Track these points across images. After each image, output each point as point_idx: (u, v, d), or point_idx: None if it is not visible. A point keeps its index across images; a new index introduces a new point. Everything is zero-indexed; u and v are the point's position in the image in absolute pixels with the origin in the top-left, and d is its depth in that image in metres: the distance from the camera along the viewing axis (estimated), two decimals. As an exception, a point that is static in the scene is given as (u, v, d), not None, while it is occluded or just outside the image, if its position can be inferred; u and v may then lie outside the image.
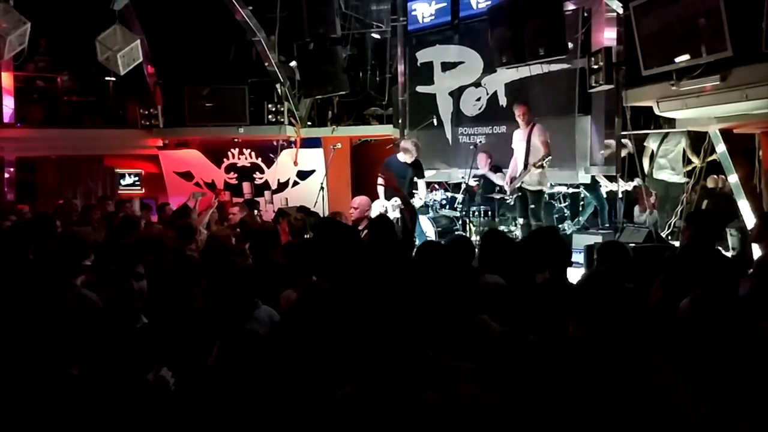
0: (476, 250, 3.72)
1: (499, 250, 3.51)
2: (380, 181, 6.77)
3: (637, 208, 7.29)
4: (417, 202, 6.84)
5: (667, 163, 6.81)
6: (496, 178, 7.14)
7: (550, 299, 2.80)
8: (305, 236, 4.47)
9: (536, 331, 2.66)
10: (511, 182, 6.58)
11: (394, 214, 6.52)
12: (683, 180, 6.85)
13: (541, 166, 6.11)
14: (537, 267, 3.12)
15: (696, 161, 6.72)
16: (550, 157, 6.12)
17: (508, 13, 6.36)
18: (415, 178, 6.94)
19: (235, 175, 10.04)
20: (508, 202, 6.75)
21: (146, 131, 9.88)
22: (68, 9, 9.34)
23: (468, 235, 7.05)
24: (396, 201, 6.57)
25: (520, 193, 6.49)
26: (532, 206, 6.42)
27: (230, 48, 10.02)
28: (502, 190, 6.76)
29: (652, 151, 6.86)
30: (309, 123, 9.96)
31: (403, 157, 6.83)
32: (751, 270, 3.48)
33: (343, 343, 2.11)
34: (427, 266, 3.21)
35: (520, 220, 6.57)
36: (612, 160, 6.82)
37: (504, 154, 6.84)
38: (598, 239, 5.74)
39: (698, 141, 6.53)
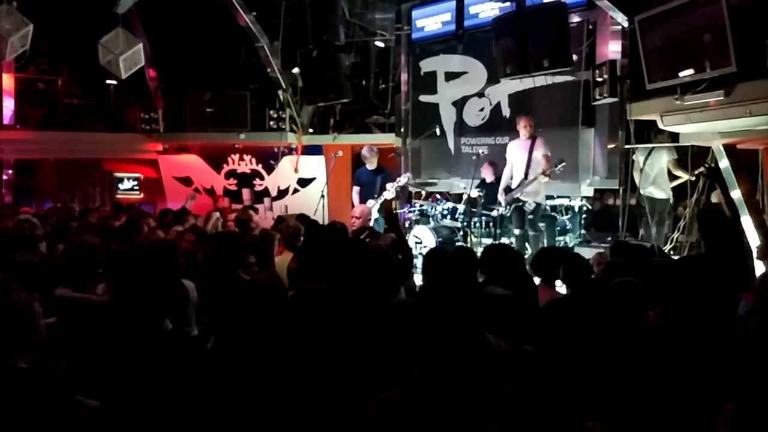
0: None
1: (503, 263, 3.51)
2: (354, 195, 7.21)
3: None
4: (387, 194, 7.10)
5: (652, 179, 6.79)
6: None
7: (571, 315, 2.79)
8: (298, 244, 4.42)
9: (541, 346, 2.63)
10: (506, 192, 6.56)
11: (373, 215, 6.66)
12: (668, 195, 6.83)
13: (548, 175, 6.15)
14: (545, 281, 3.11)
15: (684, 176, 6.68)
16: (564, 163, 6.16)
17: (513, 24, 6.37)
18: (385, 184, 7.16)
19: (235, 181, 9.99)
20: (504, 213, 6.73)
21: (146, 135, 9.85)
22: (71, 11, 9.32)
23: (469, 246, 7.04)
24: (371, 202, 6.87)
25: (520, 203, 6.47)
26: (530, 217, 6.42)
27: (232, 53, 10.01)
28: (498, 203, 6.75)
29: (641, 165, 6.84)
30: (310, 130, 9.94)
31: (369, 166, 7.23)
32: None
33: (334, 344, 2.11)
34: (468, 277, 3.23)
35: (516, 231, 6.55)
36: (615, 173, 6.81)
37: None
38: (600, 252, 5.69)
39: (685, 156, 6.48)
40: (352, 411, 1.68)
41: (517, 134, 6.63)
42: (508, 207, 6.60)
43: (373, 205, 6.89)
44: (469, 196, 7.26)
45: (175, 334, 2.40)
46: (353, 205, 6.92)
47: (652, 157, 6.75)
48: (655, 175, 6.77)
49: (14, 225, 3.89)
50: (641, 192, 6.86)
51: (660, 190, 6.80)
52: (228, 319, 2.17)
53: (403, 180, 7.38)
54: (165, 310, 2.37)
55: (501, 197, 6.65)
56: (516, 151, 6.57)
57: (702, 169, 6.30)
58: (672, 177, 6.84)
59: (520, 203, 6.47)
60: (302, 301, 2.25)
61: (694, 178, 6.47)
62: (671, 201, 6.90)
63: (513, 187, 6.52)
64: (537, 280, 3.87)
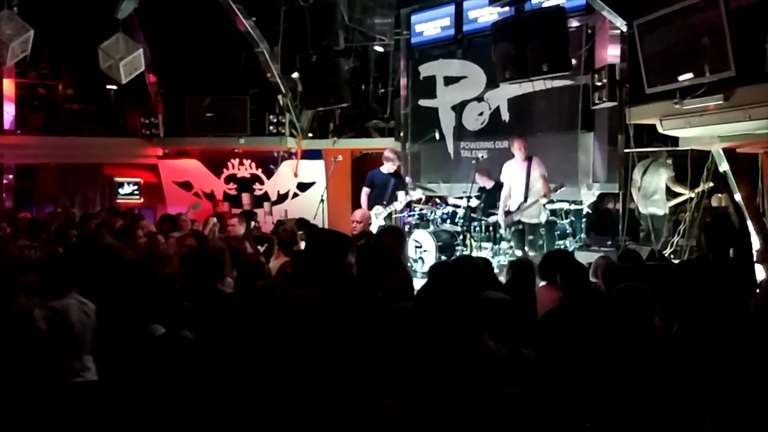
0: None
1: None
2: (363, 196, 7.07)
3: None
4: (397, 205, 7.01)
5: (650, 196, 6.76)
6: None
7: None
8: (294, 248, 4.40)
9: (539, 349, 2.63)
10: (506, 215, 6.55)
11: (378, 222, 6.61)
12: (665, 212, 6.81)
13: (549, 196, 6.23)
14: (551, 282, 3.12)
15: (684, 192, 6.64)
16: (564, 188, 6.27)
17: (511, 29, 6.37)
18: (396, 191, 7.06)
19: (235, 185, 9.99)
20: (504, 235, 6.77)
21: (146, 140, 9.85)
22: (71, 17, 9.35)
23: (468, 250, 7.03)
24: (378, 209, 6.78)
25: (520, 226, 6.48)
26: (530, 237, 6.42)
27: (232, 58, 10.03)
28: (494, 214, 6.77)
29: (639, 183, 6.82)
30: (310, 135, 9.94)
31: (386, 168, 7.10)
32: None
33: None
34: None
35: (518, 252, 6.52)
36: (614, 177, 6.80)
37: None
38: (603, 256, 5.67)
39: (683, 171, 6.46)
40: (354, 419, 1.67)
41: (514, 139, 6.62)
42: (508, 229, 6.62)
43: (380, 213, 6.77)
44: (468, 200, 7.25)
45: (168, 339, 2.39)
46: (360, 207, 6.85)
47: (649, 174, 6.73)
48: (653, 191, 6.75)
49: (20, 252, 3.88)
50: (640, 210, 6.85)
51: (657, 207, 6.78)
52: (221, 326, 2.16)
53: (415, 195, 7.36)
54: (152, 314, 2.36)
55: (501, 219, 6.68)
56: (513, 173, 6.55)
57: (703, 187, 6.27)
58: (671, 194, 6.81)
59: (520, 226, 6.49)
60: (289, 305, 2.23)
61: (694, 195, 6.45)
62: (668, 216, 6.88)
63: (512, 209, 6.52)
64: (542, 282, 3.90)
